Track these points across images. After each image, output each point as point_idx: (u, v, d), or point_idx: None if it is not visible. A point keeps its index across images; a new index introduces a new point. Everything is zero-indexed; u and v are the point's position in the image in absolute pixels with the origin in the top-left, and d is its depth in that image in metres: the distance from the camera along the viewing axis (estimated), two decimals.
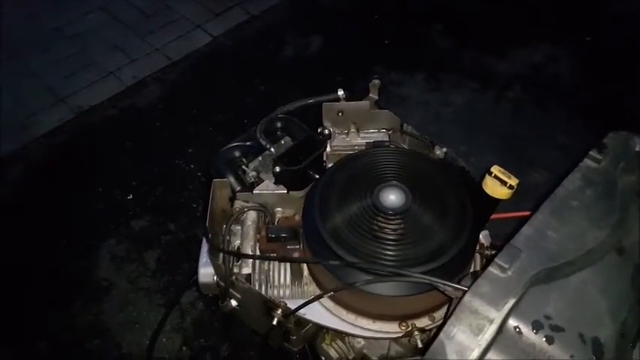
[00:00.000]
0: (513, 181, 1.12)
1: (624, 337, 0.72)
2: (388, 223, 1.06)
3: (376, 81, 1.43)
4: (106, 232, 2.28)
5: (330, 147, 1.42)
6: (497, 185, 1.12)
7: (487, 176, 1.13)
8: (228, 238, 1.26)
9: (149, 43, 3.11)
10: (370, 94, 1.44)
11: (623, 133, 0.99)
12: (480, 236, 1.19)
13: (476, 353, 0.73)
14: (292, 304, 1.11)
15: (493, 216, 1.21)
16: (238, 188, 1.30)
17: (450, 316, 0.76)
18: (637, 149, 0.95)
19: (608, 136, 0.98)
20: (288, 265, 1.23)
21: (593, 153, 0.94)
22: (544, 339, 0.73)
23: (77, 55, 3.04)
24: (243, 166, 1.34)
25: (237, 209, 1.28)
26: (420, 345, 1.07)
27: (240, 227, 1.28)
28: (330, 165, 1.34)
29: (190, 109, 2.76)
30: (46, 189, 2.45)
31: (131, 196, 2.41)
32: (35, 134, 2.66)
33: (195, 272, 1.25)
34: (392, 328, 1.11)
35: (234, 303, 1.26)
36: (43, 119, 2.73)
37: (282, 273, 1.24)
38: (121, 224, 2.31)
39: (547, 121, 2.69)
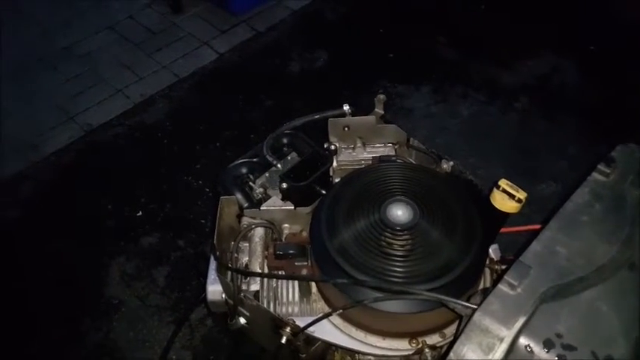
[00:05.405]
0: (522, 195, 1.11)
1: (639, 357, 0.70)
2: (396, 239, 1.06)
3: (381, 95, 1.43)
4: (115, 250, 2.29)
5: (337, 162, 1.42)
6: (506, 199, 1.11)
7: (495, 190, 1.13)
8: (236, 255, 1.26)
9: (156, 60, 3.15)
10: (376, 109, 1.44)
11: (631, 145, 0.98)
12: (490, 250, 1.18)
13: None
14: (301, 322, 1.11)
15: (503, 229, 1.20)
16: (246, 205, 1.30)
17: (459, 335, 0.75)
18: None
19: (617, 149, 0.96)
20: (296, 282, 1.22)
21: (601, 167, 0.93)
22: (556, 358, 0.72)
23: (86, 74, 3.08)
24: (250, 183, 1.34)
25: (245, 226, 1.28)
26: None
27: (247, 244, 1.28)
28: (336, 180, 1.34)
29: (197, 126, 2.78)
30: (55, 207, 2.47)
31: (140, 213, 2.42)
32: (45, 153, 2.69)
33: (204, 289, 1.25)
34: (402, 346, 1.10)
35: (242, 321, 1.25)
36: (52, 137, 2.75)
37: (290, 290, 1.23)
38: (130, 241, 2.32)
39: (554, 132, 2.68)
